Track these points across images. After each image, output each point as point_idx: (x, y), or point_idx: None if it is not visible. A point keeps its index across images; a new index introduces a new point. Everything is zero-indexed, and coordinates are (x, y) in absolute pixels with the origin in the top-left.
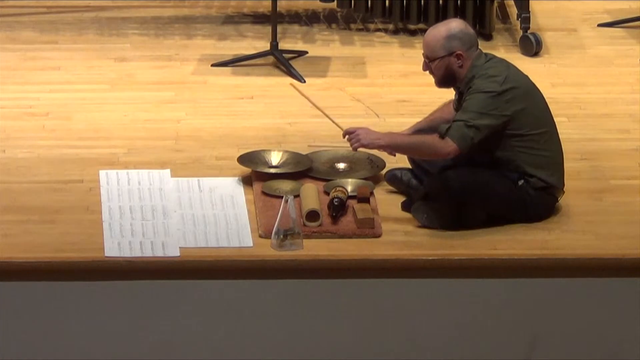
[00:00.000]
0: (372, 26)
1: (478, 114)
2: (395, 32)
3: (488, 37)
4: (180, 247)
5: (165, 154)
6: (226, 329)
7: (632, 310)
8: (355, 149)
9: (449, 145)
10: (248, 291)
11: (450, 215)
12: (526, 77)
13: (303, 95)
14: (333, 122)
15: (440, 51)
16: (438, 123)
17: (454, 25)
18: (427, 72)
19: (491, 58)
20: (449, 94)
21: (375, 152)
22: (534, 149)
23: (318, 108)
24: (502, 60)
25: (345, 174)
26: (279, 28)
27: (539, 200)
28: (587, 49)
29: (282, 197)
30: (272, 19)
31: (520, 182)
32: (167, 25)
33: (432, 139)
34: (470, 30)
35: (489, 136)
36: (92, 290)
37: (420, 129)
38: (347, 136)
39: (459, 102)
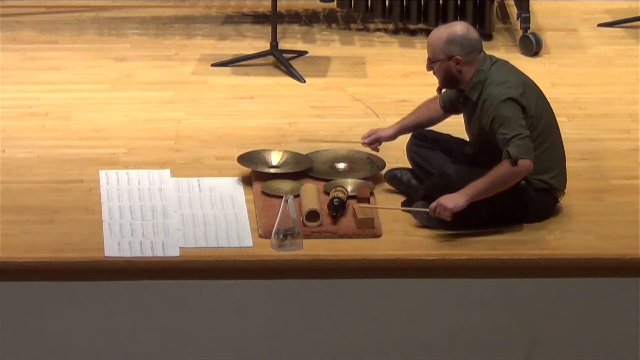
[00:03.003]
0: (372, 26)
1: (519, 122)
2: (395, 32)
3: (488, 37)
4: (180, 247)
5: (165, 154)
6: (226, 329)
7: (632, 310)
8: (449, 219)
9: (525, 162)
10: (248, 291)
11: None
12: (530, 79)
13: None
14: (418, 210)
15: (440, 54)
16: (425, 119)
17: (457, 29)
18: (431, 72)
19: (496, 61)
20: None
21: (375, 152)
22: (538, 151)
23: None
24: (506, 63)
25: (345, 174)
26: (279, 28)
27: (539, 200)
28: (587, 49)
29: (282, 197)
30: (272, 19)
31: (521, 183)
32: (167, 25)
33: (505, 169)
34: (473, 34)
35: (492, 138)
36: (92, 290)
37: (406, 125)
38: (435, 213)
39: (464, 105)
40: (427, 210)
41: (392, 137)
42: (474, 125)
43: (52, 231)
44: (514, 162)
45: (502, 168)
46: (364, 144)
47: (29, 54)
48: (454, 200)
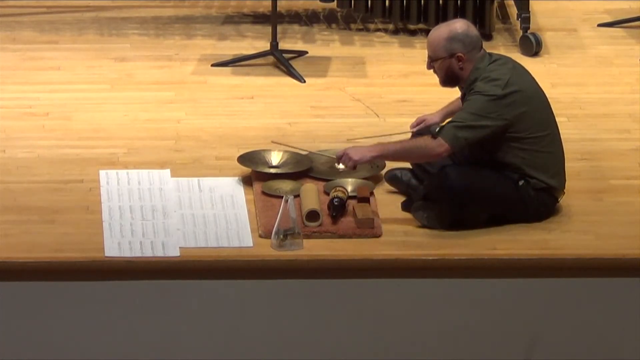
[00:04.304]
0: (372, 26)
1: (473, 115)
2: (395, 32)
3: (488, 37)
4: (180, 247)
5: (165, 154)
6: (226, 329)
7: (632, 310)
8: (351, 168)
9: (441, 145)
10: (248, 291)
11: (450, 216)
12: (531, 77)
13: (288, 146)
14: (323, 155)
15: (442, 52)
16: None
17: (457, 26)
18: (431, 71)
19: (496, 59)
20: (450, 93)
21: None
22: (535, 151)
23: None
24: (508, 62)
25: (345, 174)
26: (279, 28)
27: (539, 200)
28: (587, 49)
29: (282, 197)
30: (272, 19)
31: (521, 183)
32: (167, 25)
33: (424, 141)
34: (474, 32)
35: (490, 138)
36: (92, 290)
37: (452, 110)
38: (340, 162)
39: (463, 102)
40: (334, 157)
41: (440, 122)
42: None
43: (52, 231)
44: (434, 138)
45: (422, 140)
46: (414, 133)
47: (29, 54)
48: (360, 153)
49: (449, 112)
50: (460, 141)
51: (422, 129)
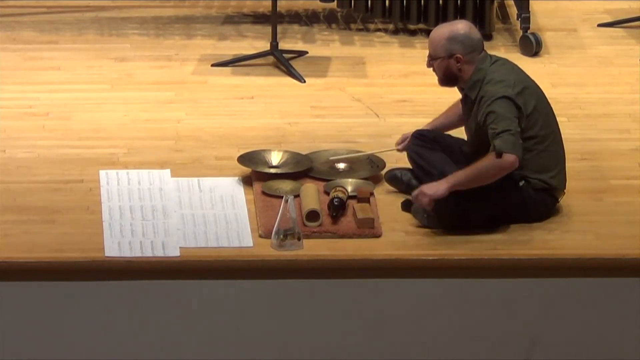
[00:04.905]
0: (372, 26)
1: (512, 119)
2: (395, 32)
3: (488, 37)
4: (180, 247)
5: (165, 154)
6: (226, 329)
7: (632, 310)
8: (427, 206)
9: (509, 157)
10: (248, 291)
11: (450, 216)
12: (531, 78)
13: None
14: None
15: (441, 52)
16: (456, 118)
17: (459, 27)
18: (431, 69)
19: (496, 60)
20: (449, 93)
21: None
22: (540, 151)
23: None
24: (506, 62)
25: (345, 174)
26: (279, 28)
27: (539, 200)
28: (587, 49)
29: (282, 197)
30: (272, 19)
31: (521, 183)
32: (167, 25)
33: (489, 161)
34: (475, 34)
35: (487, 135)
36: (92, 290)
37: (438, 125)
38: (415, 200)
39: (464, 103)
40: (409, 198)
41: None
42: (471, 124)
43: (52, 231)
44: (499, 155)
45: (487, 160)
46: (399, 150)
47: (29, 54)
48: (434, 188)
49: (435, 128)
50: (519, 147)
51: (436, 135)
